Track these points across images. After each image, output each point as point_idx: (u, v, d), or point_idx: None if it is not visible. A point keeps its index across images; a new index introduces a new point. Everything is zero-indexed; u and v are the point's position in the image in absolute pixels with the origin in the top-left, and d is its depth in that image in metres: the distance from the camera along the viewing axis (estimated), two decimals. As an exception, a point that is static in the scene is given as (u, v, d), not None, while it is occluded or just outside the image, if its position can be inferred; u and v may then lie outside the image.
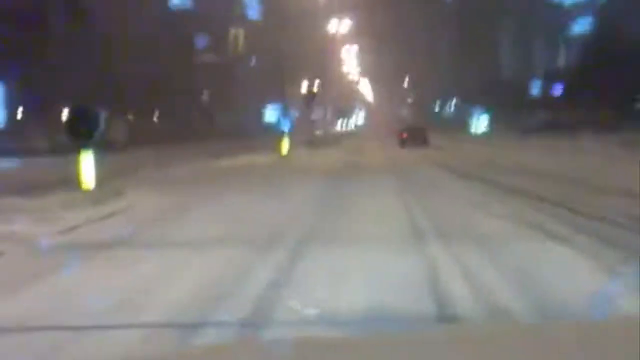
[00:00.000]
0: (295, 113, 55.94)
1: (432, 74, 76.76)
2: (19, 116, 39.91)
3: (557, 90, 53.21)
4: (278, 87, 57.43)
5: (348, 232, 8.89)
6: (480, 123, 61.01)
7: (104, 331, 4.78)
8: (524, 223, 9.07)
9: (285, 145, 30.91)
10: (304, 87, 53.88)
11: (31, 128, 36.71)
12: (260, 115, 62.16)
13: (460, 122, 64.66)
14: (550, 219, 9.31)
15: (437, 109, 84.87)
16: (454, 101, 78.05)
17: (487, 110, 60.42)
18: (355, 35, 74.07)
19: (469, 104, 66.69)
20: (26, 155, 27.47)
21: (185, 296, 5.62)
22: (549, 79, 54.39)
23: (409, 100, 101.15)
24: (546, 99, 52.57)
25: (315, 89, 50.41)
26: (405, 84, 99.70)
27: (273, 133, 34.27)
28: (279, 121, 33.70)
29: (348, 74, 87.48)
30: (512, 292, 5.47)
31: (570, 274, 6.12)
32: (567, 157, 24.27)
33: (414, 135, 40.08)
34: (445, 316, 4.87)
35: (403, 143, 39.34)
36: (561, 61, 57.50)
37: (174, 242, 8.44)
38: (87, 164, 13.21)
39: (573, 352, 1.45)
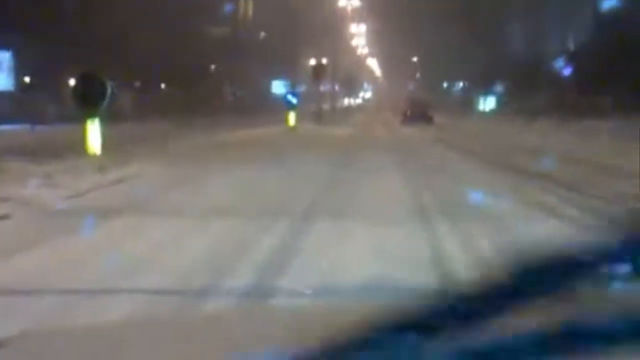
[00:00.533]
0: (303, 86, 55.80)
1: (440, 52, 76.34)
2: (28, 82, 39.92)
3: (567, 71, 52.84)
4: (287, 61, 57.25)
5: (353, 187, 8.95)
6: (487, 103, 60.69)
7: (105, 295, 4.86)
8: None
9: (292, 119, 30.90)
10: (312, 61, 53.66)
11: (40, 94, 36.74)
12: (268, 88, 61.98)
13: (468, 101, 64.39)
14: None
15: (445, 86, 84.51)
16: (461, 83, 77.72)
17: (494, 90, 60.10)
18: (363, 14, 73.77)
19: (476, 83, 66.37)
20: (34, 121, 27.55)
21: (189, 264, 5.70)
22: (560, 59, 54.04)
23: (417, 75, 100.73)
24: (557, 80, 52.25)
25: (323, 63, 50.20)
26: (415, 59, 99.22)
27: (281, 106, 34.23)
28: (287, 94, 33.59)
29: (357, 47, 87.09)
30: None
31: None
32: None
33: (414, 110, 36.78)
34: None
35: (404, 121, 36.48)
36: (571, 42, 57.13)
37: (173, 210, 8.51)
38: (93, 132, 13.28)
39: None
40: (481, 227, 7.16)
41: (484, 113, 56.84)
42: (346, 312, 1.61)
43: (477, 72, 64.17)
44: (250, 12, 55.10)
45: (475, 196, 10.05)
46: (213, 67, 54.87)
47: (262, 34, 59.02)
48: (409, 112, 36.34)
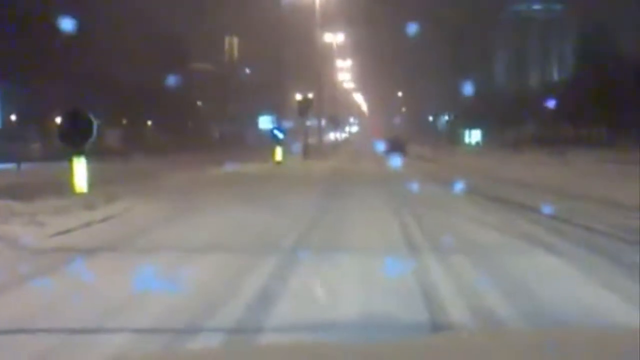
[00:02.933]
0: (289, 122, 55.97)
1: (425, 86, 76.98)
2: (14, 120, 39.89)
3: (550, 104, 53.37)
4: (272, 96, 57.50)
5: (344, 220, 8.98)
6: (472, 136, 61.11)
7: (89, 334, 4.83)
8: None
9: (279, 154, 30.97)
10: (298, 96, 53.90)
11: (26, 132, 36.69)
12: (254, 124, 62.17)
13: (454, 135, 64.79)
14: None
15: (431, 119, 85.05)
16: (446, 116, 78.28)
17: (479, 124, 60.54)
18: (348, 50, 74.43)
19: (461, 117, 66.86)
20: (20, 159, 27.45)
21: (165, 309, 5.67)
22: (543, 94, 54.56)
23: (403, 109, 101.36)
24: (540, 114, 52.70)
25: (309, 98, 50.45)
26: (400, 94, 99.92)
27: (267, 142, 34.32)
28: (273, 130, 33.70)
29: (342, 82, 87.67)
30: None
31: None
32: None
33: (394, 145, 46.23)
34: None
35: (387, 153, 44.12)
36: (555, 75, 57.81)
37: (160, 247, 8.48)
38: (79, 169, 13.26)
39: None
40: (468, 260, 7.19)
41: (469, 146, 57.17)
42: (334, 351, 1.60)
43: (462, 105, 64.76)
44: (235, 50, 55.44)
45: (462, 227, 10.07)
46: (199, 103, 55.04)
47: (247, 70, 59.34)
48: (390, 146, 45.82)
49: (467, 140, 60.64)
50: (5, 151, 32.32)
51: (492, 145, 49.38)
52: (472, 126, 61.91)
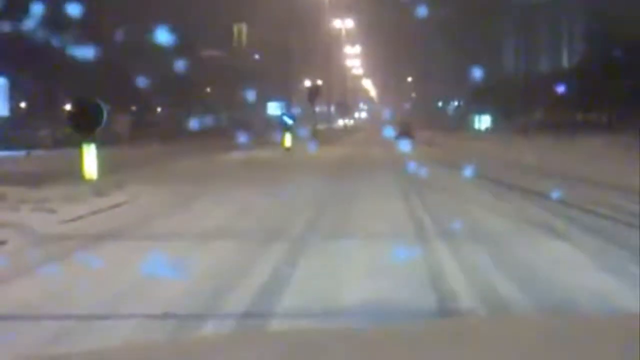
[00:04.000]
0: (298, 108, 55.92)
1: (435, 71, 76.69)
2: (24, 108, 40.00)
3: (560, 89, 53.08)
4: (281, 83, 57.44)
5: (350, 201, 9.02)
6: (481, 122, 60.78)
7: (100, 320, 4.89)
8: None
9: (288, 140, 30.97)
10: (307, 82, 53.88)
11: (35, 120, 36.80)
12: (264, 110, 62.14)
13: (463, 120, 64.51)
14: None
15: (440, 105, 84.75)
16: (456, 102, 77.99)
17: (488, 110, 60.22)
18: (358, 36, 74.26)
19: (471, 103, 66.57)
20: (30, 146, 27.58)
21: (171, 293, 5.73)
22: (553, 79, 54.28)
23: (413, 95, 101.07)
24: (549, 99, 52.44)
25: (318, 84, 50.38)
26: (409, 80, 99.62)
27: (277, 128, 34.32)
28: (282, 116, 33.68)
29: (352, 68, 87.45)
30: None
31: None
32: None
33: (402, 131, 48.88)
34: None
35: (395, 138, 46.17)
36: (565, 61, 57.47)
37: (170, 233, 8.54)
38: (89, 156, 13.32)
39: (571, 346, 1.46)
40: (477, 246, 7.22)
41: (479, 131, 56.96)
42: (341, 337, 1.62)
43: (471, 91, 64.43)
44: (244, 36, 55.40)
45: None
46: (208, 89, 55.02)
47: (256, 56, 59.24)
48: (398, 132, 48.07)
49: (476, 125, 60.36)
50: (14, 139, 32.45)
51: (501, 131, 49.24)
52: (481, 112, 61.63)
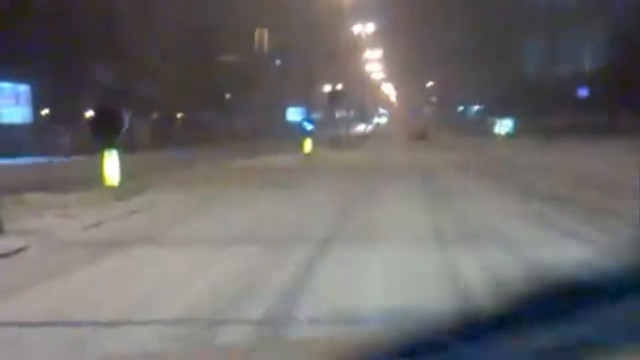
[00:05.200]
0: (318, 113, 55.97)
1: (456, 76, 76.45)
2: (46, 114, 40.35)
3: (583, 93, 52.71)
4: (301, 87, 57.52)
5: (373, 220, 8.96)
6: (503, 126, 60.31)
7: (120, 326, 4.85)
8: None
9: (308, 145, 30.99)
10: (327, 87, 53.91)
11: (57, 126, 37.12)
12: (283, 115, 62.26)
13: (484, 124, 64.17)
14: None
15: (461, 109, 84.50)
16: (476, 105, 77.71)
17: (510, 114, 59.84)
18: (378, 40, 74.19)
19: (492, 107, 66.24)
20: (52, 153, 27.80)
21: (196, 296, 5.69)
22: (575, 82, 53.89)
23: (433, 99, 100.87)
24: (572, 103, 52.08)
25: (338, 89, 50.45)
26: (429, 84, 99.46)
27: (296, 133, 34.37)
28: (302, 121, 33.71)
29: (371, 73, 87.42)
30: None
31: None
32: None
33: (417, 132, 53.26)
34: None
35: (410, 139, 50.54)
36: (587, 63, 57.07)
37: (191, 239, 8.53)
38: (110, 162, 13.37)
39: None
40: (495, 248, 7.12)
41: (499, 136, 56.63)
42: (362, 342, 1.57)
43: (492, 94, 64.12)
44: (265, 41, 55.55)
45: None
46: (228, 95, 55.21)
47: (278, 61, 59.37)
48: (416, 136, 51.50)
49: (497, 130, 60.01)
50: (37, 144, 32.75)
51: (523, 135, 48.95)
52: (502, 115, 61.27)
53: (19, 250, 7.70)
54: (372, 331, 4.58)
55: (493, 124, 61.34)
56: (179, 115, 51.09)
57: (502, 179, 16.25)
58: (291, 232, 8.87)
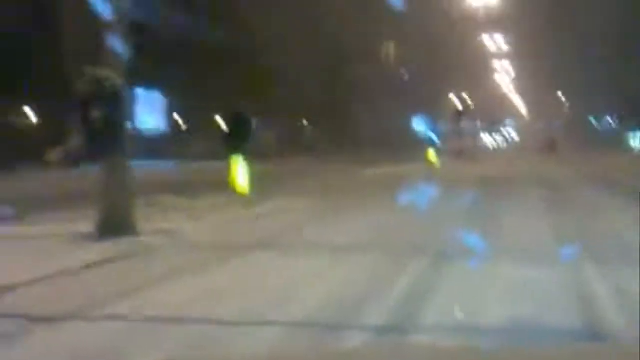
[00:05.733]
0: (443, 124, 55.40)
1: (590, 86, 73.69)
2: (180, 122, 41.95)
3: None
4: (428, 97, 57.10)
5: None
6: (637, 139, 57.45)
7: (245, 326, 4.98)
8: None
9: (433, 156, 30.77)
10: (454, 99, 53.32)
11: (190, 133, 38.50)
12: (408, 126, 61.96)
13: (618, 137, 61.38)
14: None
15: (594, 122, 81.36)
16: (610, 117, 74.57)
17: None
18: (508, 52, 72.72)
19: (628, 118, 63.34)
20: (185, 159, 28.84)
21: (324, 299, 5.77)
22: None
23: (564, 110, 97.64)
24: None
25: (466, 104, 49.94)
26: (560, 94, 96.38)
27: (421, 144, 34.17)
28: (427, 132, 33.53)
29: (500, 85, 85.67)
30: None
31: None
32: None
33: (545, 145, 54.97)
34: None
35: (540, 151, 52.14)
36: None
37: (313, 245, 8.60)
38: (239, 168, 13.76)
39: None
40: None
41: (634, 150, 54.04)
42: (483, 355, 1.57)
43: (628, 105, 61.29)
44: (392, 53, 55.63)
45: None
46: (355, 104, 55.53)
47: (406, 76, 59.20)
48: (543, 147, 53.88)
49: (632, 143, 57.22)
50: (173, 151, 34.10)
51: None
52: (637, 128, 58.41)
53: (150, 249, 8.04)
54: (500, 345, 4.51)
55: (627, 138, 58.65)
56: (305, 122, 51.83)
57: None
58: (411, 247, 8.78)
